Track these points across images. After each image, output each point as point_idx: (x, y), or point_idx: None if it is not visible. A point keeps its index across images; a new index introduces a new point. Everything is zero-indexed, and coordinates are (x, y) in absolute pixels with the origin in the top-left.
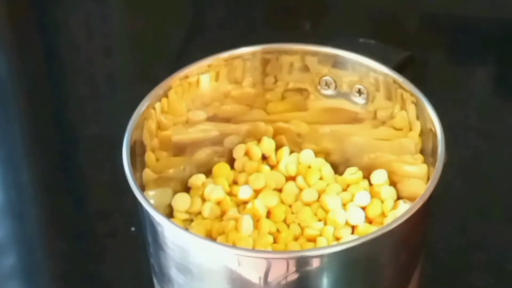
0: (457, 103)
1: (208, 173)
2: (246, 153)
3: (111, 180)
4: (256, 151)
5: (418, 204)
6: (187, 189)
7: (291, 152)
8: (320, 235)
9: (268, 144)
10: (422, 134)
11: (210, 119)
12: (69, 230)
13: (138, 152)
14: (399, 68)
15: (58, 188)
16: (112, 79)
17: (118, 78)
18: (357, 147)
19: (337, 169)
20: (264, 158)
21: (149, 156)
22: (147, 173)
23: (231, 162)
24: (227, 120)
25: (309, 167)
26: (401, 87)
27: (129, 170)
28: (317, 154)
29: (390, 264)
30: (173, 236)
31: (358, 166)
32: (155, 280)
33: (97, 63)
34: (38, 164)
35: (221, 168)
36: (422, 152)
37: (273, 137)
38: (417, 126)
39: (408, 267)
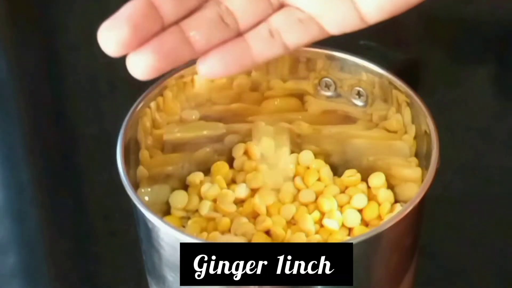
0: (457, 103)
1: (208, 171)
2: (245, 153)
3: (111, 180)
4: (255, 150)
5: (408, 208)
6: (185, 186)
7: (291, 152)
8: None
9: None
10: (417, 136)
11: (207, 118)
12: (69, 230)
13: (133, 150)
14: (400, 71)
15: (58, 188)
16: (112, 79)
17: (118, 78)
18: (357, 150)
19: (337, 171)
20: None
21: (143, 154)
22: (141, 171)
23: (231, 161)
24: (226, 120)
25: (308, 168)
26: (396, 88)
27: (122, 167)
28: (317, 155)
29: (380, 266)
30: (164, 234)
31: (358, 169)
32: (148, 277)
33: (97, 63)
34: (38, 164)
35: (220, 166)
36: (416, 155)
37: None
38: (412, 129)
39: (398, 270)
